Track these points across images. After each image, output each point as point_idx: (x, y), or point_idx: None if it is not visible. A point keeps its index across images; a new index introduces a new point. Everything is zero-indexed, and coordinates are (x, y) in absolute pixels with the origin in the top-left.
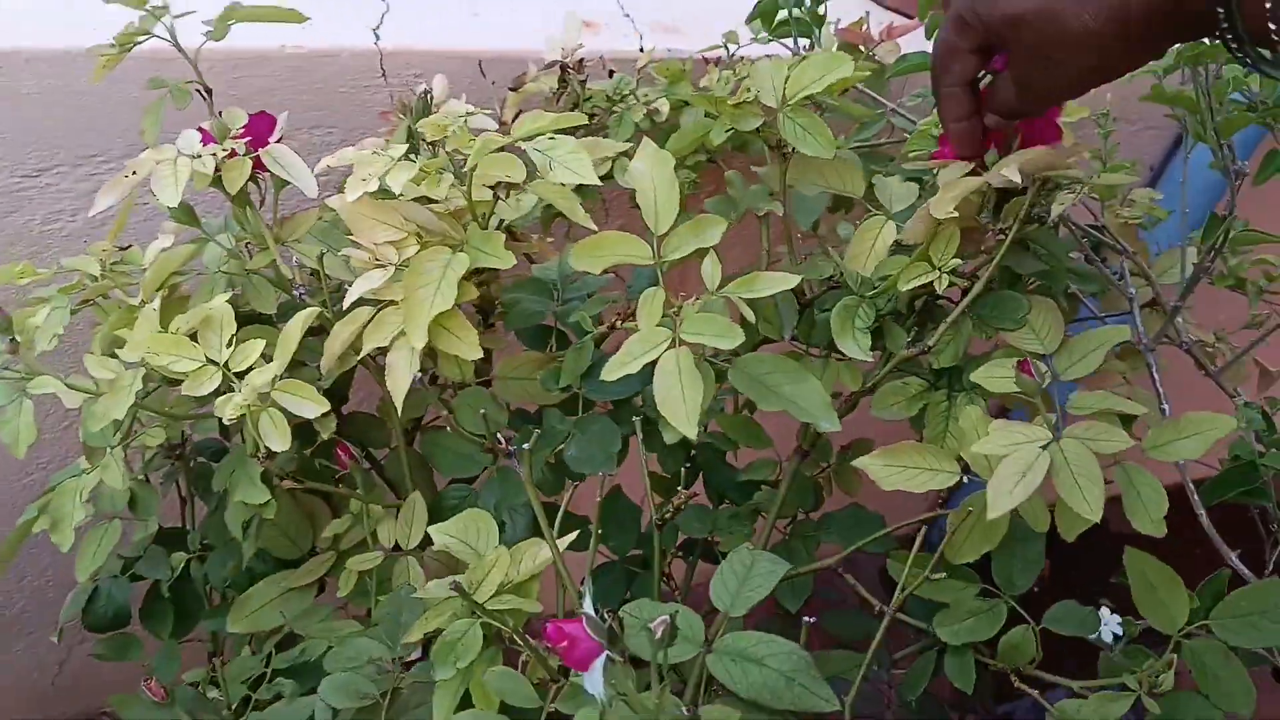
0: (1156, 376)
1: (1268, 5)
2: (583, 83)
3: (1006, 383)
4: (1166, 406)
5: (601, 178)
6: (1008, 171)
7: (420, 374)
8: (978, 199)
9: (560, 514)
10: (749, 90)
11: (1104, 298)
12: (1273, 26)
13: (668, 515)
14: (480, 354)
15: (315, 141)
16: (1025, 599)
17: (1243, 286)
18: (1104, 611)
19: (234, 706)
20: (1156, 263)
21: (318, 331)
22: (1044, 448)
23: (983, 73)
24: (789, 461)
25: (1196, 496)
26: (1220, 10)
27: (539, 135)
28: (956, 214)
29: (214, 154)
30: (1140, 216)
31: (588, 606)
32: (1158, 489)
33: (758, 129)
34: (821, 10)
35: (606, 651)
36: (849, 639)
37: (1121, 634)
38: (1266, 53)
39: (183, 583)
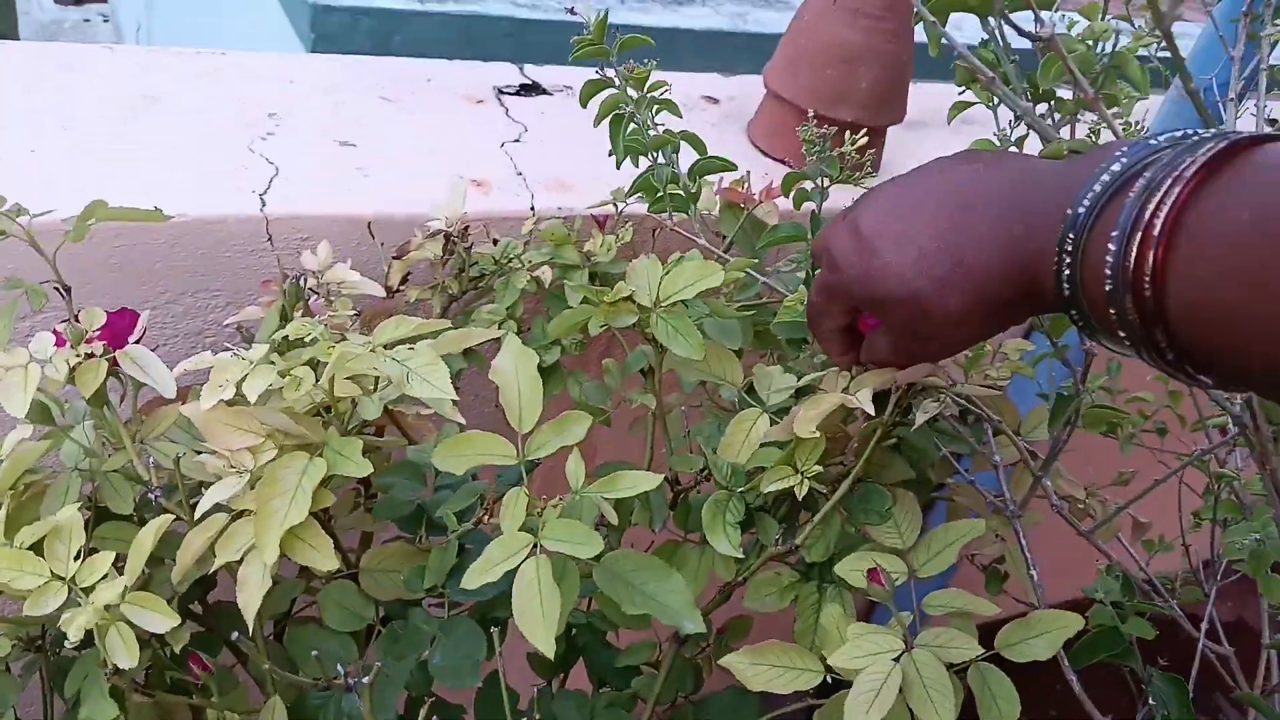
0: (1024, 541)
1: (1111, 313)
2: (468, 249)
3: (864, 580)
4: (1035, 573)
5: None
6: (861, 398)
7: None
8: (844, 410)
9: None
10: (624, 288)
11: (975, 458)
12: (1112, 313)
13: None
14: (335, 565)
15: (200, 304)
16: None
17: (1114, 432)
18: None
19: None
20: (1025, 421)
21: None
22: (896, 659)
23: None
24: (668, 643)
25: (1066, 661)
26: (1072, 310)
27: (400, 344)
28: (817, 433)
29: (66, 360)
30: (1008, 378)
31: None
32: (1011, 694)
33: (634, 324)
34: (695, 189)
35: None
36: None
37: None
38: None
39: None
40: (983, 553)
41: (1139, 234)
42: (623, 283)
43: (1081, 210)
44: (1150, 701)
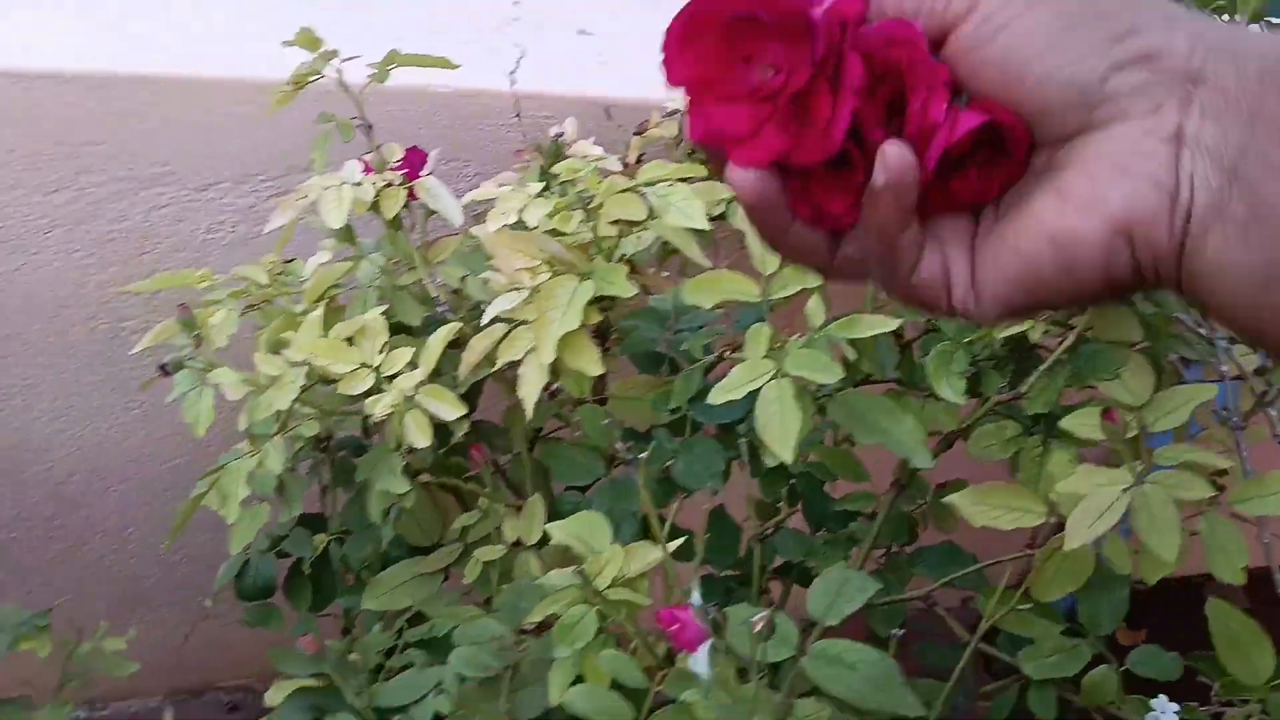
0: (1245, 452)
1: None
2: None
3: (1094, 429)
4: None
5: (716, 217)
6: None
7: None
8: None
9: (667, 526)
10: None
11: (1206, 368)
12: None
13: (767, 534)
14: (602, 369)
15: (453, 172)
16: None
17: None
18: (1161, 699)
19: (369, 671)
20: None
21: (456, 344)
22: (1125, 490)
23: None
24: (885, 495)
25: None
26: None
27: (660, 182)
28: None
29: (373, 184)
30: None
31: (695, 599)
32: (1238, 540)
33: None
34: None
35: (712, 639)
36: (938, 668)
37: None
38: None
39: (322, 562)
40: None
41: None
42: None
43: None
44: None
